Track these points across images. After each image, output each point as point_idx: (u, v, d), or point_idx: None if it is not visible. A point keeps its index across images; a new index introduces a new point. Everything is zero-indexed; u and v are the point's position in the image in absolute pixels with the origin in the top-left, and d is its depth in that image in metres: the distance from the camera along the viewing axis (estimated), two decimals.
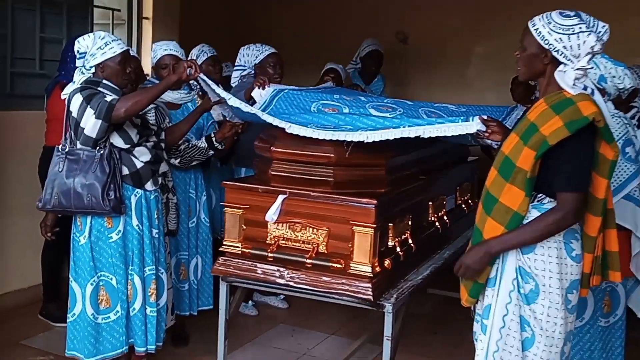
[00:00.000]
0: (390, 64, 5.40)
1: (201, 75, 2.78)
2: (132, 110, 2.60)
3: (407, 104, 3.15)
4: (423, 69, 6.36)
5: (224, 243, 2.72)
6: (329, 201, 2.53)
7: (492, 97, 6.04)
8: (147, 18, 5.16)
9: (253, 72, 3.80)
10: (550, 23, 2.04)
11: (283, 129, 2.64)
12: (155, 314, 2.85)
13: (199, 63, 3.85)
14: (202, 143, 3.25)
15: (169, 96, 3.32)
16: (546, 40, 2.04)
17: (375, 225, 2.47)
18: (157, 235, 2.89)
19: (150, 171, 2.83)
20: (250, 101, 3.13)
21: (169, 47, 3.38)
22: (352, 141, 2.48)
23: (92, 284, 2.71)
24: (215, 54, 4.04)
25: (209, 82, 2.88)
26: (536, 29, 2.06)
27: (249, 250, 2.66)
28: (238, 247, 2.69)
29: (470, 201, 3.89)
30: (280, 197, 2.58)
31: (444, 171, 3.46)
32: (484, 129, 2.41)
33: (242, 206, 2.68)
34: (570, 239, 2.11)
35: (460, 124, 2.43)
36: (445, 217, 3.32)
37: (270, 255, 2.60)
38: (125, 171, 2.75)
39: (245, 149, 3.59)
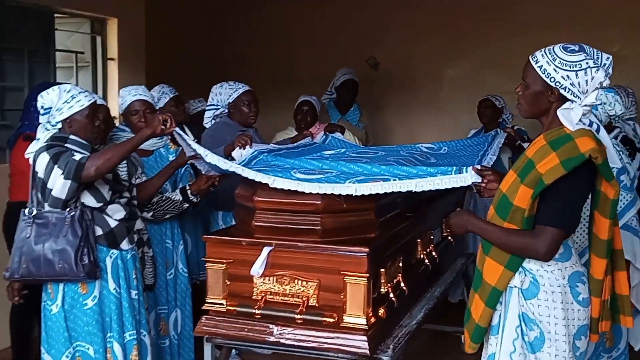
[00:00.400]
0: (363, 90, 5.34)
1: (177, 129, 2.66)
2: (104, 168, 2.45)
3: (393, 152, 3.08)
4: (396, 93, 6.35)
5: (207, 301, 2.56)
6: (317, 251, 2.40)
7: (467, 118, 6.03)
8: (112, 59, 5.01)
9: (227, 111, 3.70)
10: (555, 60, 1.96)
11: None
12: None
13: (161, 105, 3.74)
14: (177, 195, 3.11)
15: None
16: (552, 77, 1.96)
17: (368, 274, 2.34)
18: (136, 297, 2.73)
19: (125, 229, 2.67)
20: (229, 157, 3.01)
21: (138, 92, 3.24)
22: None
23: (67, 356, 2.53)
24: (177, 94, 3.91)
25: (185, 136, 2.75)
26: (540, 66, 1.98)
27: (234, 308, 2.50)
28: (222, 304, 2.52)
29: None
30: (266, 250, 2.43)
31: (430, 205, 3.35)
32: (479, 180, 2.33)
33: (224, 261, 2.52)
34: (576, 282, 2.03)
35: (454, 177, 2.37)
36: (433, 253, 3.22)
37: (257, 311, 2.44)
38: (99, 232, 2.59)
39: (224, 193, 3.46)
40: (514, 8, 5.77)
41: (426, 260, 3.10)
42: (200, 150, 2.68)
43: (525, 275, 2.05)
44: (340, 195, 2.35)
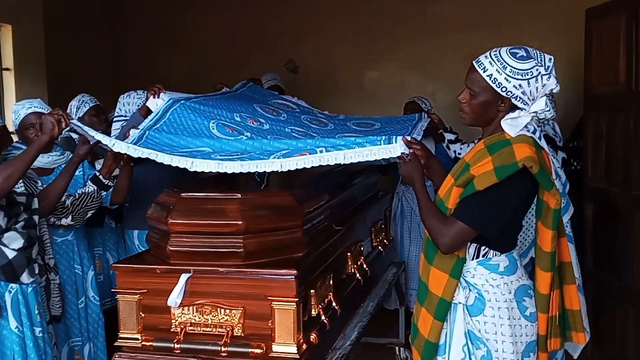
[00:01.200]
0: (285, 94, 5.18)
1: (73, 121, 2.46)
2: (5, 187, 2.20)
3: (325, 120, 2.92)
4: (316, 97, 6.20)
5: (119, 336, 2.31)
6: (241, 276, 2.20)
7: None
8: (7, 69, 4.61)
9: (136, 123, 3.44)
10: (505, 68, 1.85)
11: (179, 195, 2.31)
12: None
13: (81, 115, 3.48)
14: (90, 187, 2.83)
15: (39, 161, 2.87)
16: (504, 87, 1.86)
17: (297, 299, 2.16)
18: (40, 334, 2.45)
19: (25, 259, 2.39)
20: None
21: (33, 105, 2.94)
22: (265, 173, 2.22)
23: None
24: (97, 103, 3.65)
25: (85, 127, 2.53)
26: (490, 75, 1.87)
27: (150, 343, 2.27)
28: (137, 339, 2.28)
29: (385, 241, 3.71)
30: (184, 277, 2.21)
31: (358, 215, 3.22)
32: (407, 152, 2.18)
33: (138, 291, 2.28)
34: (522, 296, 1.94)
35: (383, 147, 2.20)
36: (364, 265, 3.09)
37: (177, 345, 2.22)
38: None
39: (139, 209, 3.21)
40: (428, 9, 5.77)
41: (357, 274, 2.97)
42: (106, 140, 2.43)
43: (470, 290, 1.96)
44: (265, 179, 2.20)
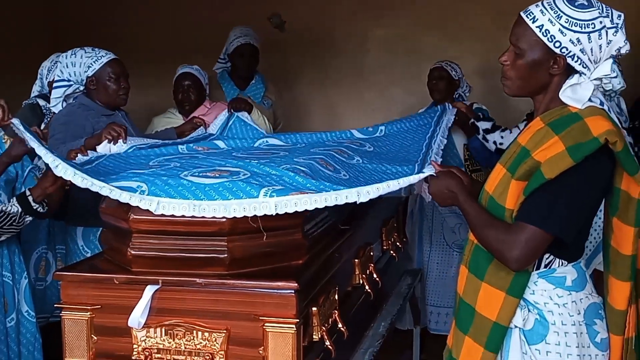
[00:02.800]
0: (267, 57, 5.13)
1: (14, 121, 2.47)
2: None
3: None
4: (309, 62, 6.22)
5: None
6: (225, 289, 2.15)
7: (398, 92, 5.99)
8: None
9: (83, 88, 3.44)
10: (560, 17, 1.83)
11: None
12: None
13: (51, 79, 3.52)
14: (13, 207, 2.75)
15: None
16: (558, 42, 1.84)
17: (297, 320, 2.11)
18: None
19: None
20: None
21: None
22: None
23: None
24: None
25: (26, 133, 2.51)
26: (540, 26, 1.85)
27: None
28: None
29: (398, 243, 3.66)
30: (150, 290, 2.16)
31: (367, 212, 3.16)
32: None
33: (89, 307, 2.23)
34: (593, 318, 1.93)
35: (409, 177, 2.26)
36: (374, 275, 3.06)
37: None
38: None
39: (84, 201, 3.14)
40: None
41: (366, 286, 2.93)
42: (49, 157, 2.35)
43: (530, 311, 1.94)
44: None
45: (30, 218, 2.80)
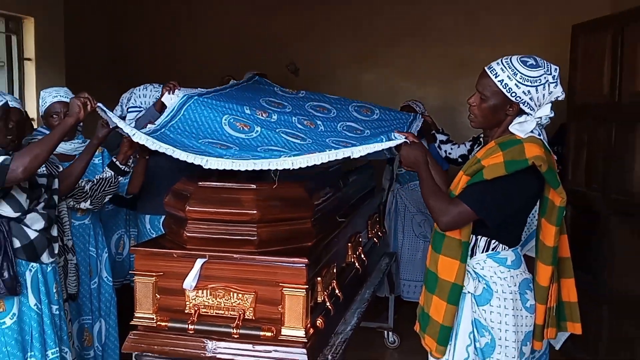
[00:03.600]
0: None
1: (99, 104, 2.34)
2: (31, 167, 2.10)
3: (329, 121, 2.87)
4: None
5: (136, 315, 2.24)
6: (254, 262, 2.14)
7: None
8: (29, 59, 4.48)
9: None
10: (516, 74, 1.82)
11: (197, 184, 2.24)
12: None
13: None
14: (107, 173, 2.74)
15: (61, 147, 2.79)
16: (514, 92, 1.83)
17: (307, 286, 2.11)
18: (57, 312, 2.37)
19: (46, 240, 2.30)
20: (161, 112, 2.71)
21: (59, 94, 2.86)
22: (277, 170, 2.14)
23: None
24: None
25: (109, 113, 2.41)
26: (501, 81, 1.84)
27: (165, 323, 2.20)
28: (153, 319, 2.21)
29: (379, 233, 3.67)
30: (199, 262, 2.14)
31: (358, 208, 3.16)
32: (403, 139, 2.14)
33: (154, 273, 2.21)
34: (525, 289, 1.92)
35: (385, 143, 2.19)
36: (362, 255, 3.04)
37: (190, 326, 2.15)
38: (17, 244, 2.21)
39: (150, 194, 3.14)
40: (424, 20, 5.71)
41: (356, 264, 2.91)
42: (127, 129, 2.31)
43: (479, 281, 1.93)
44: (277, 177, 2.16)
45: (122, 178, 2.78)
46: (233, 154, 2.22)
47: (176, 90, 2.77)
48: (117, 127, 2.45)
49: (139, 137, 2.25)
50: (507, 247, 1.93)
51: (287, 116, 2.80)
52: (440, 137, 3.65)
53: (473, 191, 1.86)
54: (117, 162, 2.74)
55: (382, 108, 3.35)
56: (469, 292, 1.93)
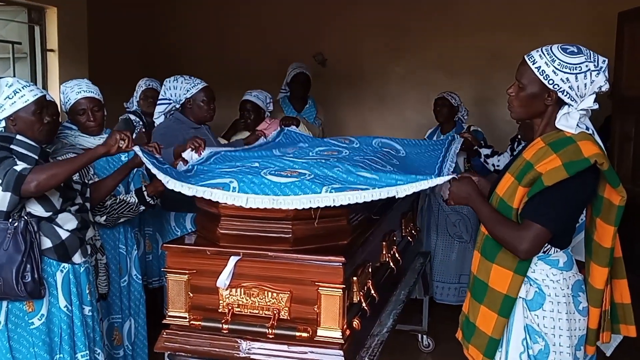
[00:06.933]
0: (312, 86, 5.11)
1: (136, 148, 2.37)
2: (45, 185, 2.13)
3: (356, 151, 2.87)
4: (345, 89, 6.18)
5: (168, 314, 2.28)
6: (289, 261, 2.15)
7: (412, 115, 5.94)
8: (52, 50, 4.57)
9: (179, 106, 3.41)
10: (554, 61, 1.80)
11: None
12: None
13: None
14: (132, 198, 2.79)
15: (91, 142, 2.85)
16: (551, 80, 1.81)
17: (344, 285, 2.12)
18: (90, 313, 2.42)
19: (78, 240, 2.35)
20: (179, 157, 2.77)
21: (82, 89, 2.88)
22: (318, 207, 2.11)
23: None
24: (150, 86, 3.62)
25: (144, 157, 2.41)
26: (538, 67, 1.82)
27: (198, 322, 2.23)
28: (185, 318, 2.25)
29: (413, 231, 3.66)
30: (233, 259, 2.17)
31: (393, 205, 3.17)
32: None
33: (187, 271, 2.24)
34: (577, 291, 1.91)
35: (431, 180, 2.18)
36: (397, 254, 3.04)
37: (224, 326, 2.19)
38: (47, 244, 2.26)
39: (173, 190, 3.18)
40: (455, 8, 5.69)
41: (391, 263, 2.91)
42: (161, 176, 2.31)
43: (530, 285, 1.91)
44: (318, 214, 2.14)
45: (143, 207, 2.83)
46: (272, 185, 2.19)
47: (201, 151, 2.80)
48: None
49: (173, 185, 2.25)
50: (559, 250, 1.92)
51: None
52: (484, 151, 3.63)
53: (538, 205, 1.82)
54: (145, 192, 2.80)
55: (409, 144, 3.37)
56: (520, 297, 1.92)
